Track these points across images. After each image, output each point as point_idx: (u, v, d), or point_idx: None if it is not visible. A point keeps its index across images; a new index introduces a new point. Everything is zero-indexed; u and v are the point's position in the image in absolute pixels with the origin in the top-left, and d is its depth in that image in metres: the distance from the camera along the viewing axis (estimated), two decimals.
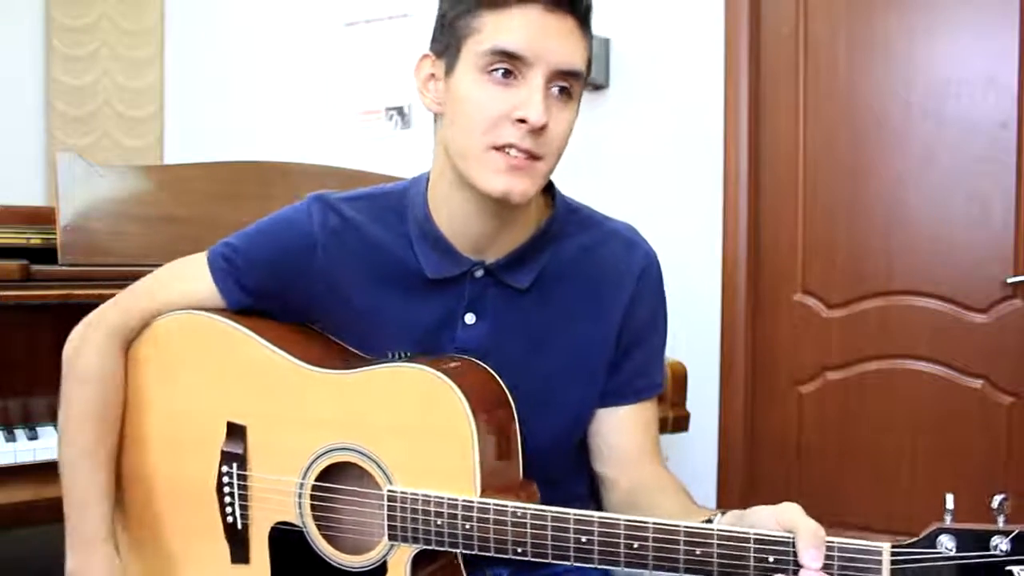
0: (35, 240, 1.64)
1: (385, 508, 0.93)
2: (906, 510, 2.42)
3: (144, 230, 1.70)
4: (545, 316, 1.05)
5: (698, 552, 0.81)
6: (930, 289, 2.46)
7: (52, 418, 1.39)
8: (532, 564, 0.90)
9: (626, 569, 0.87)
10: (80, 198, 1.64)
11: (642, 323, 1.08)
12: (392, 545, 0.94)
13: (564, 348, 1.06)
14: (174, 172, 1.81)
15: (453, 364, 0.97)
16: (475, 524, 0.89)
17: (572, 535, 0.86)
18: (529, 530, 0.87)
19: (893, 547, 0.74)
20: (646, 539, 0.83)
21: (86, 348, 1.07)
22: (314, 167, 1.97)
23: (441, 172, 1.02)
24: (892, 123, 2.49)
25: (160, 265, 1.13)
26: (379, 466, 0.95)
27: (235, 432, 1.03)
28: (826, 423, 2.61)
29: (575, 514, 0.86)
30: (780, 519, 0.78)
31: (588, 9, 0.96)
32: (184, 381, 1.06)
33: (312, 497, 0.99)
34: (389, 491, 0.93)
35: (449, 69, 0.97)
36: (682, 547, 0.81)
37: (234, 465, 1.02)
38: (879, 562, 0.75)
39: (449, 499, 0.90)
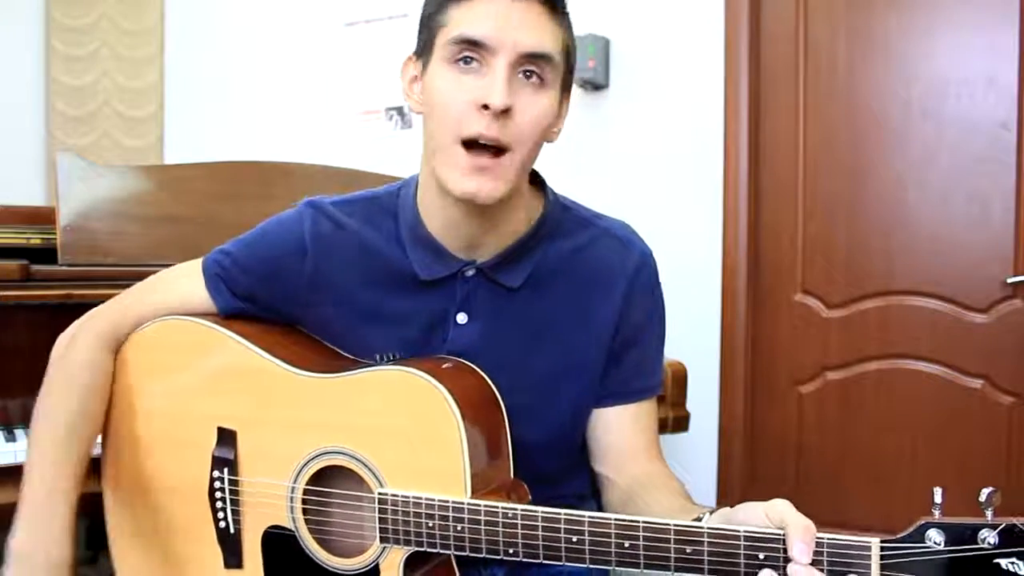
0: (35, 240, 1.64)
1: (376, 511, 0.93)
2: (906, 510, 2.40)
3: (144, 230, 1.70)
4: (537, 315, 1.05)
5: (689, 550, 0.81)
6: (930, 289, 2.46)
7: None
8: (527, 564, 0.90)
9: (621, 569, 0.87)
10: (80, 198, 1.64)
11: (637, 323, 1.07)
12: (384, 547, 0.94)
13: (557, 347, 1.05)
14: (174, 172, 1.81)
15: (442, 366, 0.97)
16: (466, 526, 0.89)
17: (563, 535, 0.86)
18: (520, 531, 0.87)
19: (882, 542, 0.75)
20: (636, 538, 0.83)
21: (75, 345, 1.07)
22: (314, 167, 1.97)
23: (426, 174, 1.02)
24: (892, 123, 2.49)
25: (160, 265, 1.13)
26: (369, 469, 0.95)
27: (225, 437, 1.03)
28: (826, 423, 2.60)
29: (565, 514, 0.86)
30: (770, 515, 0.78)
31: None
32: (174, 386, 1.06)
33: (304, 501, 0.99)
34: (380, 494, 0.93)
35: (425, 67, 0.98)
36: (672, 545, 0.82)
37: (225, 470, 1.02)
38: (868, 557, 0.75)
39: (440, 501, 0.90)
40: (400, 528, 0.92)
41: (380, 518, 0.93)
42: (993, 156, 2.37)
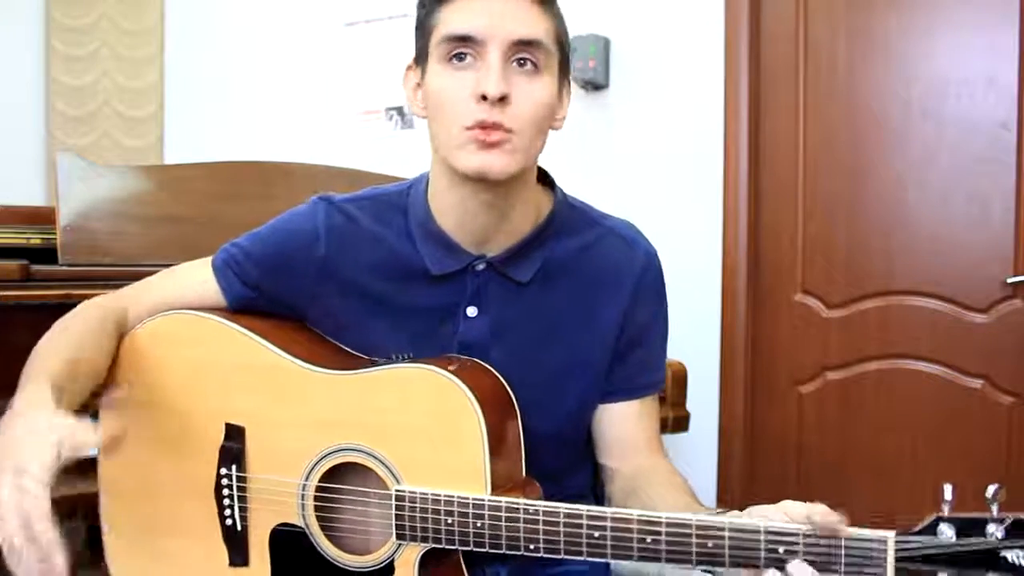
0: (35, 240, 1.64)
1: (393, 507, 0.93)
2: (906, 510, 2.40)
3: (144, 230, 1.70)
4: (545, 310, 1.06)
5: (710, 544, 0.83)
6: (930, 289, 2.46)
7: None
8: (529, 562, 0.91)
9: (624, 563, 0.88)
10: (80, 198, 1.64)
11: (642, 321, 1.09)
12: (400, 544, 0.94)
13: (563, 342, 1.06)
14: (174, 172, 1.81)
15: (457, 364, 0.98)
16: (487, 522, 0.90)
17: (585, 531, 0.87)
18: (541, 527, 0.88)
19: (897, 535, 0.79)
20: (659, 533, 0.84)
21: (75, 310, 1.06)
22: (315, 167, 1.97)
23: (437, 171, 1.04)
24: (892, 123, 2.49)
25: (160, 265, 1.13)
26: (386, 466, 0.95)
27: (234, 433, 1.03)
28: (826, 423, 2.60)
29: (587, 510, 0.87)
30: (790, 512, 0.81)
31: None
32: (182, 382, 1.06)
33: (316, 498, 0.99)
34: (397, 491, 0.93)
35: (423, 72, 1.00)
36: (694, 540, 0.83)
37: (233, 467, 1.02)
38: (884, 551, 0.78)
39: (460, 498, 0.91)
40: (418, 525, 0.92)
41: (397, 515, 0.93)
42: (993, 156, 2.37)
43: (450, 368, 0.95)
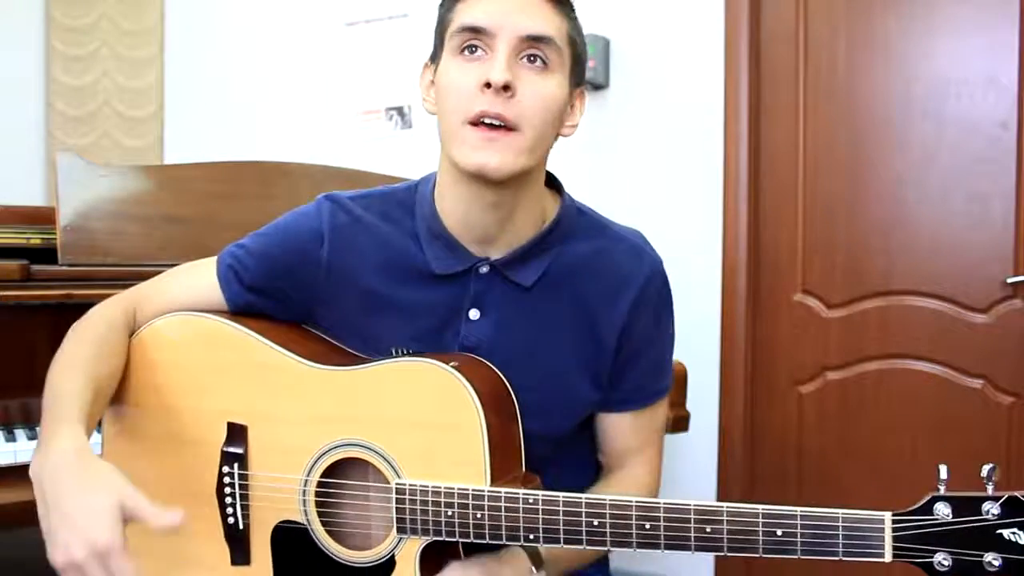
0: (35, 240, 1.64)
1: (394, 501, 0.94)
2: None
3: (144, 230, 1.70)
4: (548, 315, 1.06)
5: (708, 529, 0.84)
6: (930, 289, 2.46)
7: None
8: None
9: (618, 549, 0.88)
10: (80, 198, 1.64)
11: (644, 331, 1.09)
12: (400, 538, 0.95)
13: (564, 348, 1.06)
14: (174, 172, 1.81)
15: (457, 360, 0.98)
16: (487, 513, 0.90)
17: (584, 519, 0.88)
18: (541, 516, 0.89)
19: (894, 515, 0.81)
20: (657, 519, 0.85)
21: (91, 313, 1.07)
22: (314, 167, 1.97)
23: (443, 169, 1.04)
24: (892, 123, 2.49)
25: (160, 265, 1.14)
26: (386, 460, 0.95)
27: (235, 432, 1.03)
28: (826, 423, 2.60)
29: (586, 498, 0.88)
30: None
31: None
32: (184, 381, 1.06)
33: (316, 494, 0.99)
34: (398, 484, 0.94)
35: (437, 67, 1.02)
36: (693, 525, 0.84)
37: (235, 465, 1.02)
38: (881, 529, 0.81)
39: (459, 489, 0.91)
40: (419, 518, 0.93)
41: (398, 508, 0.94)
42: (993, 156, 2.37)
43: (450, 363, 0.95)
